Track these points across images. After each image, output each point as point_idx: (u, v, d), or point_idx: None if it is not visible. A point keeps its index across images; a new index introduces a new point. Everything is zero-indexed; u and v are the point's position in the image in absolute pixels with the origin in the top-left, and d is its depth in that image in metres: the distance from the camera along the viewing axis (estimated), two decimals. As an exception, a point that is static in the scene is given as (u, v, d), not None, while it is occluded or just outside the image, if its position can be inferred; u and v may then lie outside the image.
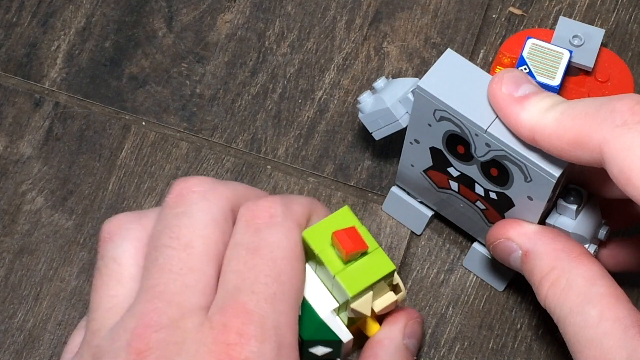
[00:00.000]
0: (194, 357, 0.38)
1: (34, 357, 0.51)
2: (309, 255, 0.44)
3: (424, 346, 0.50)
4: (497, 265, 0.50)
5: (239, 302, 0.39)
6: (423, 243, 0.53)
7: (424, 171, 0.49)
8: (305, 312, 0.44)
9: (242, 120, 0.55)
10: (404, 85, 0.49)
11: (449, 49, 0.45)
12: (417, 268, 0.52)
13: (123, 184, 0.54)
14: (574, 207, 0.45)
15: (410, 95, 0.47)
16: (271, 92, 0.56)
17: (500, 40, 0.56)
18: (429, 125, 0.45)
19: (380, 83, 0.49)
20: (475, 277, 0.52)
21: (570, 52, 0.52)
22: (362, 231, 0.44)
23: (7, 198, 0.54)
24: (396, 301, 0.45)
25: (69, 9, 0.58)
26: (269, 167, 0.54)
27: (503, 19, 0.57)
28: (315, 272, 0.45)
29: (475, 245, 0.51)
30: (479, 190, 0.47)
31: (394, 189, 0.52)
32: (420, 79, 0.47)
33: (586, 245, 0.46)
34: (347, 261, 0.43)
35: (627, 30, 0.57)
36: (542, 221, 0.46)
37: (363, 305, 0.43)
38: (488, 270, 0.51)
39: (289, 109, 0.55)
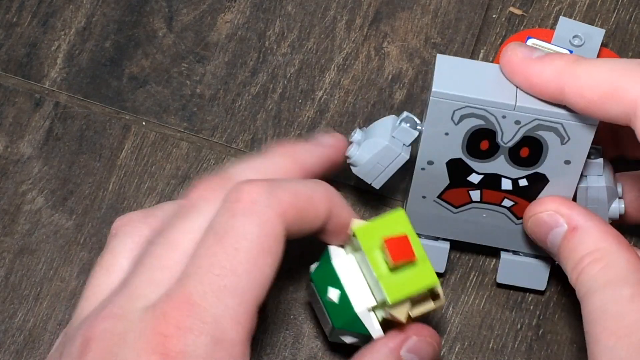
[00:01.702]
0: (134, 348, 0.38)
1: (34, 357, 0.51)
2: (356, 247, 0.44)
3: (424, 346, 0.50)
4: (533, 266, 0.50)
5: (185, 292, 0.39)
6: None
7: (439, 196, 0.48)
8: (342, 302, 0.44)
9: (243, 120, 0.55)
10: (385, 123, 0.48)
11: (438, 54, 0.45)
12: (417, 268, 0.52)
13: (123, 184, 0.54)
14: (601, 160, 0.46)
15: (404, 124, 0.47)
16: (271, 92, 0.56)
17: (500, 40, 0.56)
18: (446, 134, 0.45)
19: (357, 135, 0.48)
20: (475, 277, 0.52)
21: (571, 52, 0.52)
22: (413, 239, 0.44)
23: (7, 198, 0.54)
24: (434, 309, 0.45)
25: (69, 9, 0.58)
26: (269, 167, 0.54)
27: (503, 19, 0.57)
28: (359, 266, 0.45)
29: (504, 256, 0.50)
30: (506, 185, 0.47)
31: None
32: (396, 116, 0.47)
33: (617, 201, 0.47)
34: (393, 268, 0.43)
35: (628, 30, 0.57)
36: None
37: (400, 312, 0.43)
38: (525, 275, 0.50)
39: (289, 109, 0.55)
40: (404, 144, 0.47)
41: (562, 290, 0.52)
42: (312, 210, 0.43)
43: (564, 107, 0.43)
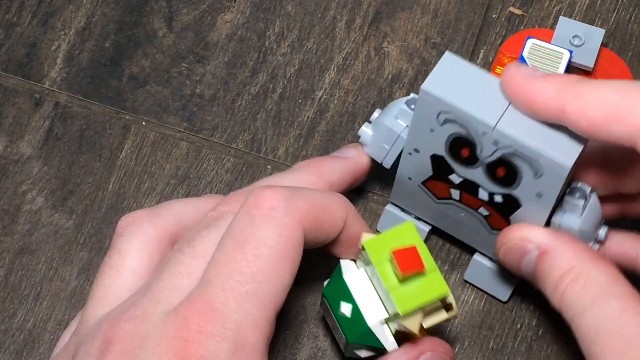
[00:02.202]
0: (155, 351, 0.38)
1: (34, 357, 0.51)
2: (367, 261, 0.44)
3: (424, 346, 0.50)
4: (500, 276, 0.50)
5: (206, 298, 0.39)
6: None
7: (423, 183, 0.48)
8: (354, 316, 0.44)
9: (242, 120, 0.55)
10: (396, 104, 0.48)
11: (447, 52, 0.45)
12: (417, 268, 0.52)
13: (123, 184, 0.54)
14: (581, 202, 0.45)
15: (404, 106, 0.47)
16: (271, 92, 0.56)
17: (500, 40, 0.56)
18: (431, 130, 0.45)
19: (375, 114, 0.49)
20: (475, 277, 0.52)
21: (570, 52, 0.52)
22: (422, 250, 0.43)
23: (7, 198, 0.54)
24: (447, 319, 0.45)
25: (69, 9, 0.58)
26: (269, 167, 0.54)
27: (503, 19, 0.57)
28: (370, 279, 0.45)
29: (476, 256, 0.50)
30: (483, 195, 0.46)
31: (389, 207, 0.51)
32: (411, 95, 0.47)
33: (590, 244, 0.46)
34: (403, 279, 0.43)
35: (627, 30, 0.57)
36: (547, 221, 0.46)
37: (412, 323, 0.43)
38: (491, 281, 0.50)
39: (289, 109, 0.55)
40: (406, 125, 0.47)
41: (562, 290, 0.52)
42: (329, 219, 0.43)
43: (544, 141, 0.42)
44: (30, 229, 0.53)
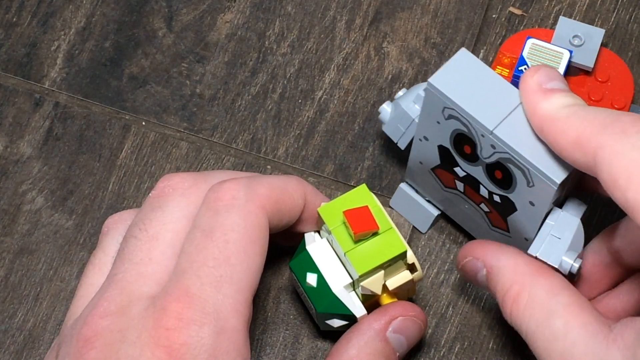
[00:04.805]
0: (136, 343, 0.39)
1: (34, 357, 0.51)
2: (327, 229, 0.45)
3: (424, 346, 0.50)
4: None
5: (182, 286, 0.39)
6: (423, 243, 0.53)
7: (432, 169, 0.49)
8: (320, 285, 0.45)
9: (242, 120, 0.55)
10: (417, 88, 0.49)
11: (463, 48, 0.45)
12: (417, 268, 0.52)
13: (123, 184, 0.54)
14: (584, 207, 0.45)
15: (421, 92, 0.47)
16: (271, 92, 0.56)
17: (500, 40, 0.56)
18: (438, 122, 0.45)
19: (399, 93, 0.50)
20: (475, 277, 0.52)
21: (570, 52, 0.52)
22: (376, 211, 0.44)
23: (7, 198, 0.54)
24: (412, 280, 0.45)
25: (69, 9, 0.58)
26: (269, 167, 0.54)
27: (503, 19, 0.57)
28: (333, 247, 0.45)
29: (402, 185, 0.51)
30: (484, 192, 0.47)
31: (403, 185, 0.52)
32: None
33: (574, 257, 0.44)
34: (358, 240, 0.43)
35: (627, 30, 0.57)
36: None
37: (373, 284, 0.44)
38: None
39: (289, 109, 0.55)
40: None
41: (562, 290, 0.52)
42: (289, 199, 0.44)
43: (539, 153, 0.42)
44: (30, 229, 0.53)
